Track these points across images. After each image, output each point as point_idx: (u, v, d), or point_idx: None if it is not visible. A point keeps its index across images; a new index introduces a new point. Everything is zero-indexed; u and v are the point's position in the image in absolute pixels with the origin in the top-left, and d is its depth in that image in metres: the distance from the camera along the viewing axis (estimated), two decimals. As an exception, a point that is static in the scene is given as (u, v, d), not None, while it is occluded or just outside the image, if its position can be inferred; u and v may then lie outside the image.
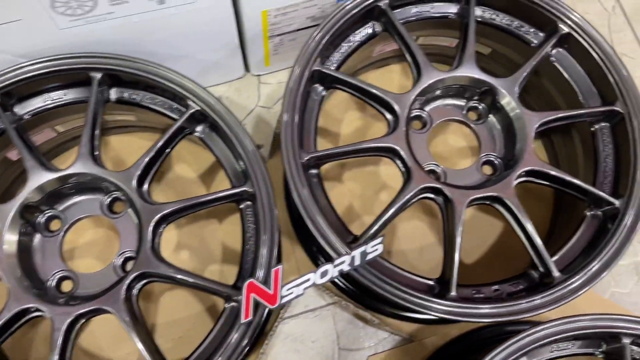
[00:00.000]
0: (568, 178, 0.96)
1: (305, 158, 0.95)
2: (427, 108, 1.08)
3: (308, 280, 0.89)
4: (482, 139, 1.07)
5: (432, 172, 1.05)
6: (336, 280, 1.20)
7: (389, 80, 1.38)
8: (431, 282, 0.96)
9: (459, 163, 1.14)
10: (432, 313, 0.88)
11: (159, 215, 0.91)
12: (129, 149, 1.24)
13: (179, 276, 0.89)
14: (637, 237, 1.29)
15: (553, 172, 0.96)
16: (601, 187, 1.01)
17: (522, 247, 0.97)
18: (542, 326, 0.88)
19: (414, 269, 1.21)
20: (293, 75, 0.97)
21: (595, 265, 0.92)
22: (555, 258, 0.96)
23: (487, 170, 1.06)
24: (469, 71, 1.02)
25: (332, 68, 1.07)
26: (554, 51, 1.08)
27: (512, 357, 0.86)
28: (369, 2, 1.03)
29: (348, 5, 1.02)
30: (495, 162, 1.06)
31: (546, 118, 0.99)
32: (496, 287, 0.97)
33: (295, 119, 0.95)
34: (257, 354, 1.16)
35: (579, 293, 0.90)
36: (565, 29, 1.04)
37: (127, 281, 0.86)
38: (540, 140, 1.31)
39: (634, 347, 0.92)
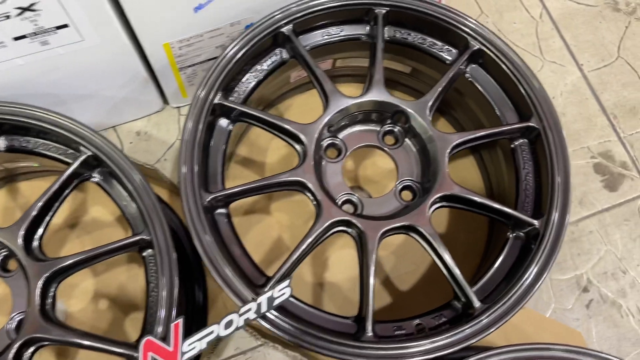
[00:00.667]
0: (481, 201, 0.92)
1: (207, 199, 0.89)
2: (341, 135, 1.04)
3: (211, 332, 0.83)
4: (399, 164, 1.03)
5: (348, 201, 1.00)
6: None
7: (315, 103, 1.33)
8: (349, 322, 0.91)
9: (377, 191, 1.09)
10: (347, 358, 0.83)
11: (49, 273, 0.84)
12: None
13: (73, 339, 0.82)
14: (576, 250, 1.28)
15: (466, 196, 0.92)
16: (523, 207, 0.98)
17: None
18: (484, 354, 0.84)
19: (346, 300, 1.16)
20: (187, 125, 0.91)
21: (517, 292, 0.87)
22: (477, 287, 0.92)
23: (407, 196, 1.01)
24: (378, 95, 0.98)
25: (241, 99, 1.02)
26: (468, 68, 1.04)
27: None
28: (271, 29, 0.99)
29: (248, 34, 0.98)
30: (414, 187, 1.01)
31: (458, 140, 0.95)
32: (418, 321, 0.91)
33: (194, 169, 0.90)
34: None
35: (501, 323, 0.85)
36: (476, 45, 1.01)
37: (13, 350, 0.80)
38: (472, 156, 1.27)
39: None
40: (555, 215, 0.91)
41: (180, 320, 0.82)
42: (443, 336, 0.84)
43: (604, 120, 1.36)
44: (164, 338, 0.82)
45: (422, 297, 1.15)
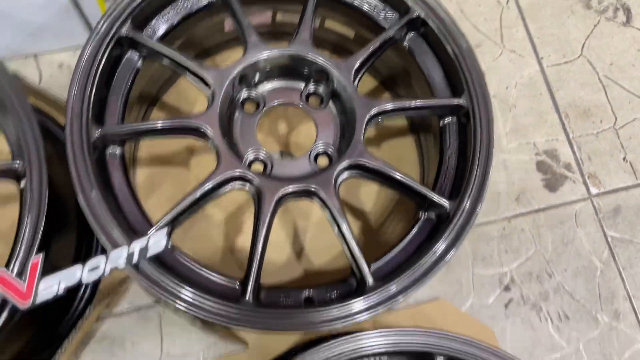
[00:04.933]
0: (393, 175, 0.85)
1: (97, 133, 0.82)
2: (261, 89, 0.96)
3: (73, 275, 0.76)
4: (319, 126, 0.96)
5: (257, 160, 0.93)
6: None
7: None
8: (235, 285, 0.84)
9: (293, 152, 1.02)
10: (220, 320, 0.77)
11: None
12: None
13: None
14: (504, 247, 1.23)
15: (377, 168, 0.85)
16: (441, 188, 0.92)
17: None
18: (352, 336, 0.79)
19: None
20: (84, 52, 0.84)
21: (414, 273, 0.81)
22: (376, 265, 0.86)
23: (323, 161, 0.94)
24: (302, 50, 0.91)
25: (157, 35, 0.94)
26: (408, 36, 0.97)
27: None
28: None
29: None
30: (330, 153, 0.94)
31: (378, 108, 0.88)
32: (308, 293, 0.85)
33: (88, 99, 0.82)
34: (68, 354, 1.03)
35: (391, 302, 0.79)
36: (418, 12, 0.94)
37: None
38: (412, 137, 1.21)
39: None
40: (467, 201, 0.85)
41: (40, 257, 0.76)
42: (326, 308, 0.78)
43: (555, 118, 1.30)
44: (20, 274, 0.76)
45: (333, 274, 1.09)
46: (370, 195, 1.14)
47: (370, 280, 0.81)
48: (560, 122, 1.30)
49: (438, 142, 0.96)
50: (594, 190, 1.25)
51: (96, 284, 1.04)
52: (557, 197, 1.25)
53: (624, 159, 1.29)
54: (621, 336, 1.16)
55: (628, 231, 1.24)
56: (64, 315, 1.01)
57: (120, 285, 1.08)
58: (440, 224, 0.88)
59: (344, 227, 0.82)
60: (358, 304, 0.78)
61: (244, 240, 1.11)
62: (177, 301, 0.76)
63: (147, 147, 1.13)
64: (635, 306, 1.19)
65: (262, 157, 0.93)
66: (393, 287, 0.80)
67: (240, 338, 1.07)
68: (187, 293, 0.78)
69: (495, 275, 1.19)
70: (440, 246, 0.82)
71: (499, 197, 1.24)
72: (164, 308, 1.08)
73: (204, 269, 0.84)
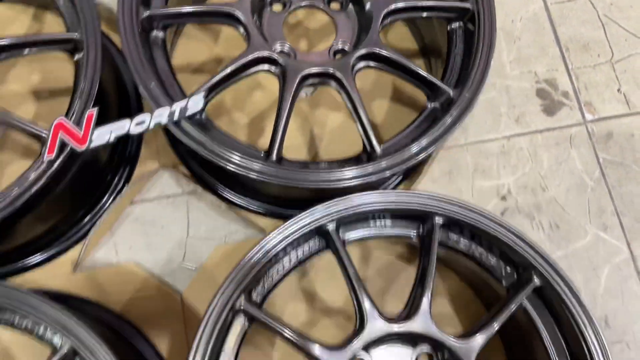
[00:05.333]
0: (403, 61, 0.96)
1: (144, 14, 0.93)
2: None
3: (122, 127, 0.88)
4: (339, 27, 1.06)
5: (282, 52, 1.03)
6: (193, 168, 1.19)
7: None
8: (260, 154, 0.95)
9: (314, 49, 1.13)
10: (243, 171, 0.88)
11: None
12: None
13: None
14: (503, 162, 1.33)
15: (388, 55, 0.96)
16: (447, 82, 1.01)
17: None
18: (353, 195, 0.88)
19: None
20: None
21: (412, 149, 0.92)
22: (384, 145, 0.96)
23: (339, 57, 1.05)
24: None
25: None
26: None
27: (320, 223, 0.87)
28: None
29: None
30: (347, 49, 1.05)
31: (394, 6, 0.99)
32: (324, 165, 0.97)
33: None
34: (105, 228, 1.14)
35: (398, 167, 0.91)
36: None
37: None
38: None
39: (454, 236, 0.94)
40: (469, 89, 0.95)
41: (95, 110, 0.87)
42: (340, 169, 0.89)
43: (556, 51, 1.40)
44: (78, 123, 0.87)
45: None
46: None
47: (379, 149, 0.92)
48: (560, 55, 1.40)
49: (444, 43, 1.06)
50: (588, 117, 1.35)
51: (133, 166, 1.16)
52: (554, 121, 1.35)
53: (618, 90, 1.38)
54: (607, 246, 1.26)
55: (618, 154, 1.33)
56: (104, 192, 1.13)
57: (152, 174, 1.19)
58: (444, 112, 0.99)
59: (358, 104, 0.93)
60: (370, 167, 0.89)
61: (265, 142, 1.22)
62: (210, 154, 0.88)
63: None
64: (622, 221, 1.29)
65: (286, 50, 1.03)
66: (402, 153, 0.91)
67: (257, 225, 1.18)
68: (217, 147, 0.89)
69: (493, 187, 1.29)
70: (447, 120, 0.93)
71: (500, 118, 1.33)
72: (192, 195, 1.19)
73: (233, 138, 0.96)
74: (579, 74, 1.39)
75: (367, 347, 0.90)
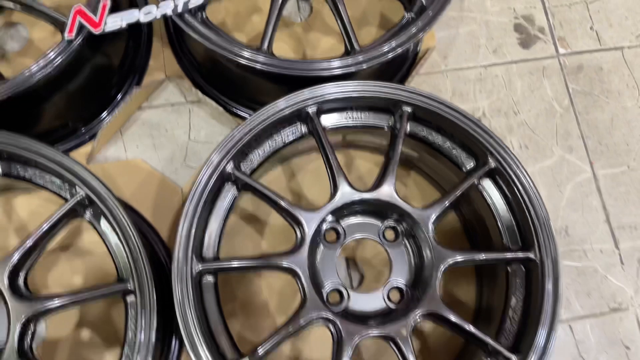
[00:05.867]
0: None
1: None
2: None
3: (132, 14, 1.01)
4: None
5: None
6: (196, 79, 1.32)
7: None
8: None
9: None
10: (250, 63, 1.02)
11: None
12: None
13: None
14: (480, 88, 1.43)
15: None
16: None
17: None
18: (334, 82, 1.01)
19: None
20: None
21: (384, 47, 1.04)
22: (365, 47, 1.08)
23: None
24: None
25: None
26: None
27: (303, 104, 0.99)
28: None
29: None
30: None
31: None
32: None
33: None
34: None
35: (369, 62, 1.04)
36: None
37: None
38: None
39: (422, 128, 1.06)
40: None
41: (109, 0, 1.00)
42: (327, 59, 1.04)
43: (535, -10, 1.51)
44: (94, 11, 1.00)
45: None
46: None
47: (357, 47, 1.07)
48: (539, -6, 1.51)
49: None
50: (562, 51, 1.46)
51: (141, 75, 1.29)
52: (529, 53, 1.46)
53: (591, 28, 1.49)
54: (572, 166, 1.38)
55: (587, 85, 1.44)
56: (114, 96, 1.27)
57: (159, 84, 1.32)
58: (414, 22, 1.08)
59: (342, 9, 1.06)
60: (349, 59, 1.03)
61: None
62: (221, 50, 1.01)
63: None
64: (586, 144, 1.40)
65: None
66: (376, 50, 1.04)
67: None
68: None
69: (470, 109, 1.40)
70: (412, 29, 1.06)
71: (479, 49, 1.45)
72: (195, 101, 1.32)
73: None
74: (555, 12, 1.50)
75: (339, 217, 1.03)
